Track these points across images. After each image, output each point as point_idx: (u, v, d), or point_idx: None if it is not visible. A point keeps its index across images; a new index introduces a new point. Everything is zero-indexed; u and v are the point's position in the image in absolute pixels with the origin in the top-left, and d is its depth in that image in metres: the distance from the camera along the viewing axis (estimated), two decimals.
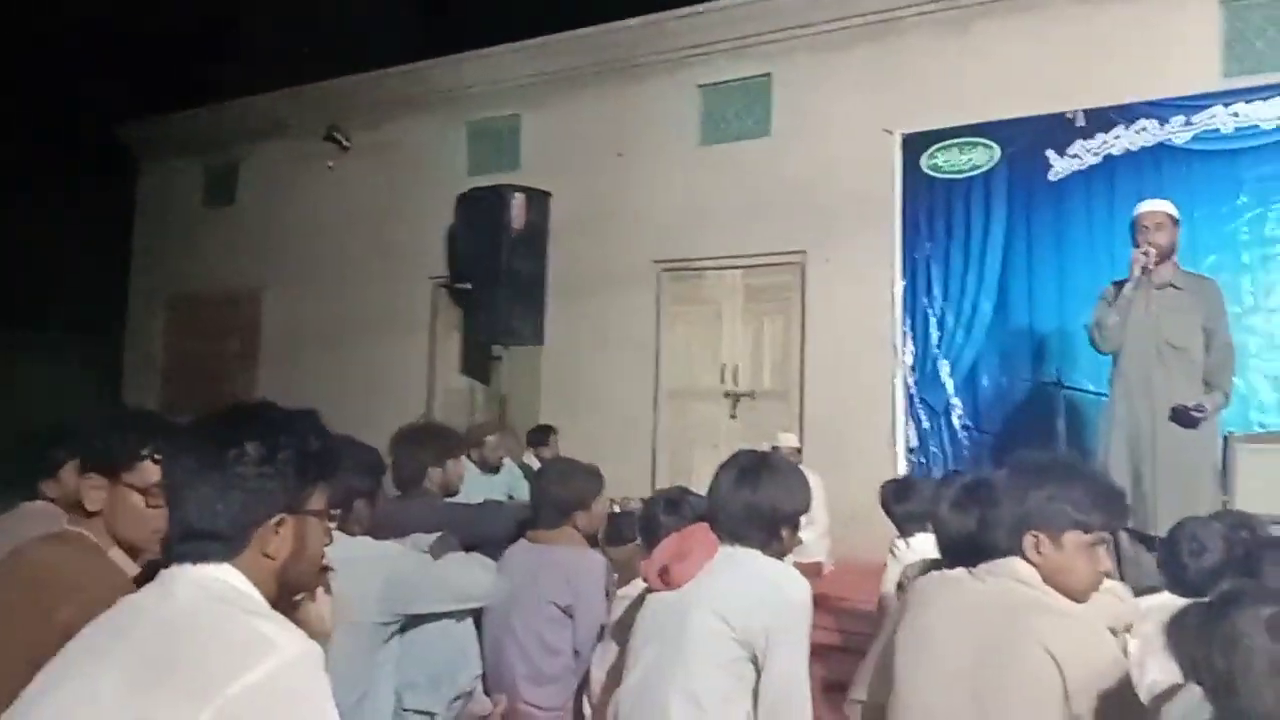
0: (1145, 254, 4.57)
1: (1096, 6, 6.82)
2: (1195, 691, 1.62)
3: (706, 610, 2.29)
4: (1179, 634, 1.85)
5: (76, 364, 11.91)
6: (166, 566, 1.46)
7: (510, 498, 5.65)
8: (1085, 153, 6.77)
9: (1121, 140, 6.66)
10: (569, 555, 3.21)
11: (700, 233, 8.14)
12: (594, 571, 3.18)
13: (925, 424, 7.20)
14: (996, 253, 7.06)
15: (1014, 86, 6.97)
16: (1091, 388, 5.87)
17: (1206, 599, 1.75)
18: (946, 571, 2.21)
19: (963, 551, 2.32)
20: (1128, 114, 6.63)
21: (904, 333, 7.30)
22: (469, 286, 8.54)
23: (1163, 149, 6.53)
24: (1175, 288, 4.64)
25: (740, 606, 2.28)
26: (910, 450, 7.19)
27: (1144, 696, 2.02)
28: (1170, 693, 1.94)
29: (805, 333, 7.79)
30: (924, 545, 3.29)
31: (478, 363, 9.14)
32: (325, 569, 1.69)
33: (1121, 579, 4.25)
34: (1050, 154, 6.87)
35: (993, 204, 7.08)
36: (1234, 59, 6.52)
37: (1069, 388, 5.76)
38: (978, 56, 7.17)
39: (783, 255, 7.89)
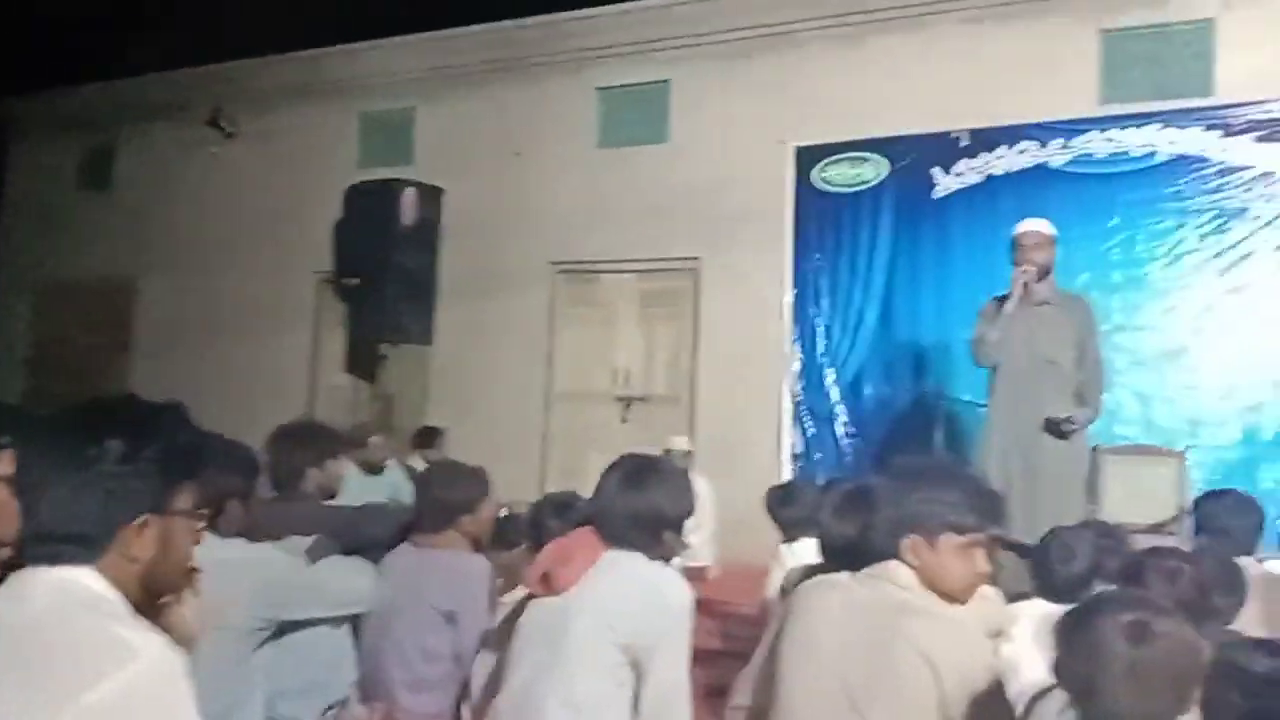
0: (1025, 273, 4.75)
1: (984, 29, 7.07)
2: (1063, 695, 1.67)
3: (588, 616, 2.26)
4: (1048, 639, 1.90)
5: None
6: (20, 568, 1.38)
7: (394, 500, 5.52)
8: (969, 171, 7.00)
9: (1003, 160, 6.91)
10: (453, 559, 3.14)
11: (596, 235, 8.13)
12: (478, 576, 3.11)
13: (810, 431, 7.34)
14: (882, 266, 7.24)
15: (904, 104, 7.16)
16: (969, 399, 6.06)
17: (1074, 605, 1.81)
18: (829, 575, 2.23)
19: (845, 556, 2.35)
20: (1010, 135, 6.89)
21: (792, 341, 7.42)
22: (356, 282, 8.34)
23: (1042, 170, 6.81)
24: (1050, 305, 4.82)
25: (621, 611, 2.26)
26: (795, 456, 7.32)
27: (1015, 700, 2.08)
28: (1040, 696, 2.00)
29: (698, 338, 7.85)
30: (807, 550, 3.33)
31: (363, 361, 8.93)
32: (192, 571, 1.61)
33: (995, 584, 4.40)
34: (936, 172, 7.09)
35: (880, 219, 7.26)
36: (1110, 87, 6.84)
37: (948, 398, 5.94)
38: (871, 73, 7.34)
39: (677, 261, 7.94)
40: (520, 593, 2.51)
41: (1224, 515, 3.54)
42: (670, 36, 8.03)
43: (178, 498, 1.48)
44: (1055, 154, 6.80)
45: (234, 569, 2.45)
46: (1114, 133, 6.65)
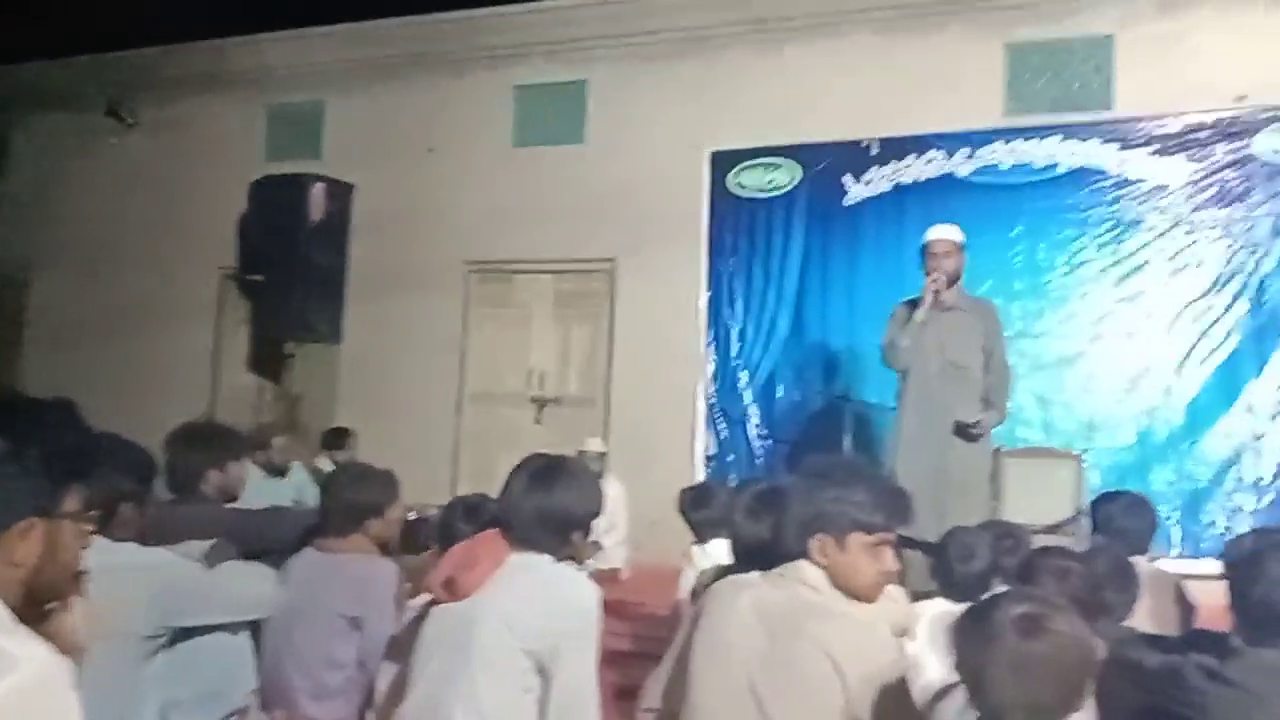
0: (936, 280, 4.86)
1: (894, 40, 7.21)
2: (964, 693, 1.70)
3: (493, 620, 2.22)
4: (949, 636, 1.93)
5: None
6: None
7: (299, 503, 5.39)
8: (879, 179, 7.14)
9: (912, 169, 7.06)
10: (358, 564, 3.07)
11: (511, 235, 8.06)
12: (385, 580, 3.04)
13: (724, 433, 7.39)
14: (794, 271, 7.33)
15: (817, 112, 7.27)
16: (878, 402, 6.19)
17: (973, 603, 1.84)
18: (740, 576, 2.24)
19: (756, 557, 2.35)
20: (918, 145, 7.04)
21: (707, 344, 7.47)
22: (261, 278, 8.12)
23: (949, 179, 6.97)
24: (959, 310, 4.95)
25: (527, 615, 2.23)
26: (709, 458, 7.37)
27: (919, 698, 2.11)
28: (943, 693, 2.03)
29: (613, 340, 7.85)
30: (719, 551, 3.35)
31: (268, 360, 8.70)
32: (80, 576, 1.54)
33: (902, 584, 4.49)
34: (847, 179, 7.21)
35: (793, 224, 7.36)
36: (1014, 99, 7.04)
37: (858, 401, 6.04)
38: (786, 80, 7.43)
39: (593, 262, 7.93)
40: (426, 598, 2.46)
41: (1119, 516, 3.66)
42: (588, 36, 8.01)
43: (65, 499, 1.42)
44: (961, 164, 6.97)
45: (125, 574, 2.36)
46: (1017, 144, 6.85)
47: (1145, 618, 3.13)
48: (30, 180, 9.84)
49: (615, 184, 7.75)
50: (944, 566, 3.10)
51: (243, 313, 8.87)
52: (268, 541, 3.26)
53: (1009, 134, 6.88)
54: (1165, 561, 4.81)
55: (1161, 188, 6.52)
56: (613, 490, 6.38)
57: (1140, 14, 6.72)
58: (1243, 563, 2.23)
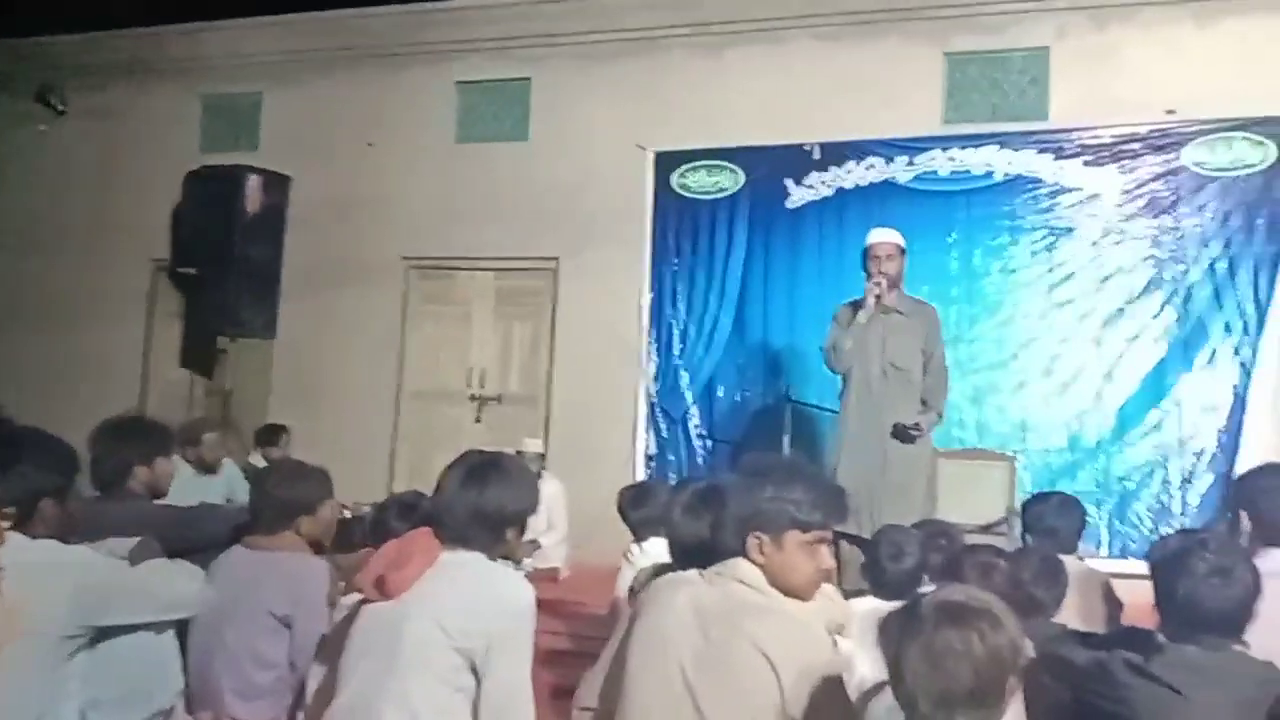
0: (878, 284, 4.92)
1: (836, 46, 7.28)
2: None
3: (424, 619, 2.19)
4: (880, 631, 1.94)
5: None
6: None
7: (230, 501, 5.29)
8: (820, 184, 7.20)
9: (852, 175, 7.14)
10: (289, 562, 3.01)
11: (452, 231, 7.98)
12: (315, 579, 2.99)
13: (664, 432, 7.40)
14: (737, 272, 7.37)
15: (760, 115, 7.31)
16: (818, 403, 6.24)
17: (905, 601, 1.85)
18: (677, 574, 2.23)
19: (694, 555, 2.35)
20: (858, 150, 7.12)
21: (649, 343, 7.47)
22: (194, 272, 7.95)
23: (888, 185, 7.06)
24: (900, 313, 5.01)
25: (459, 614, 2.19)
26: (650, 457, 7.37)
27: (853, 695, 2.13)
28: (875, 690, 2.05)
29: (555, 338, 7.81)
30: (657, 550, 3.35)
31: (200, 354, 8.52)
32: None
33: (841, 583, 4.53)
34: (789, 183, 7.26)
35: (735, 226, 7.39)
36: (953, 108, 7.15)
37: (798, 402, 6.09)
38: (729, 83, 7.46)
39: (535, 260, 7.89)
40: (358, 597, 2.41)
41: (1049, 516, 3.74)
42: (533, 34, 7.96)
43: None
44: (901, 170, 7.06)
45: (46, 572, 2.29)
46: (955, 152, 6.95)
47: (1074, 615, 3.19)
48: None
49: (559, 182, 7.72)
50: (874, 565, 3.14)
51: (175, 306, 8.69)
52: (196, 539, 3.19)
53: (947, 142, 6.98)
54: (1094, 561, 4.92)
55: (1094, 197, 6.66)
56: (552, 489, 6.35)
57: (1075, 28, 6.87)
58: (1168, 562, 2.28)
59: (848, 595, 3.21)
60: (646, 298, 7.51)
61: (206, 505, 4.27)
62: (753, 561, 2.01)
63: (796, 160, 7.25)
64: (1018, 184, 6.80)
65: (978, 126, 7.01)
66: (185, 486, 5.13)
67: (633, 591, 3.05)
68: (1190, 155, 6.49)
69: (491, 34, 8.08)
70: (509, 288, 8.09)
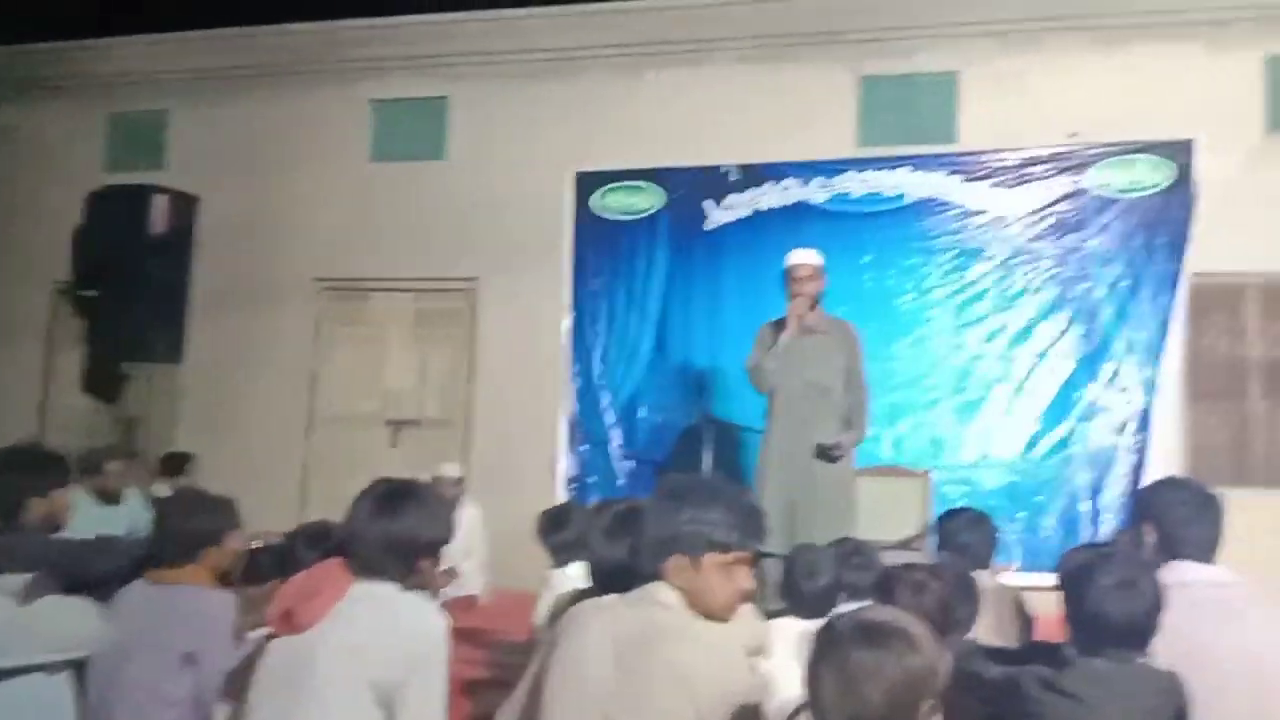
0: (800, 305, 4.96)
1: (754, 69, 7.38)
2: None
3: (333, 654, 2.11)
4: (801, 655, 1.93)
5: None
6: None
7: (133, 532, 5.10)
8: (738, 205, 7.27)
9: (770, 196, 7.22)
10: (193, 596, 2.90)
11: (367, 252, 7.86)
12: (220, 613, 2.88)
13: (585, 455, 7.36)
14: (657, 293, 7.38)
15: (679, 137, 7.37)
16: (739, 422, 6.27)
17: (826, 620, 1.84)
18: (595, 599, 2.20)
19: (614, 579, 2.32)
20: (776, 172, 7.21)
21: (569, 365, 7.44)
22: (97, 294, 7.68)
23: (804, 207, 7.16)
24: (821, 333, 5.06)
25: (371, 646, 2.12)
26: (571, 480, 7.31)
27: (773, 717, 2.11)
28: (796, 713, 2.04)
29: (474, 360, 7.73)
30: (577, 574, 3.30)
31: (103, 380, 8.22)
32: None
33: (762, 603, 4.54)
34: (708, 204, 7.31)
35: (656, 247, 7.42)
36: (867, 130, 7.30)
37: (720, 422, 6.11)
38: (648, 104, 7.51)
39: (453, 281, 7.81)
40: (266, 631, 2.33)
41: (961, 531, 3.79)
42: (450, 53, 7.91)
43: None
44: (817, 192, 7.16)
45: None
46: (869, 174, 7.08)
47: (987, 630, 3.23)
48: None
49: (477, 202, 7.66)
50: (790, 584, 3.15)
51: (77, 330, 8.37)
52: (95, 573, 3.06)
53: (861, 164, 7.11)
54: (1006, 575, 5.02)
55: (1001, 218, 6.85)
56: (471, 514, 6.26)
57: (982, 53, 7.08)
58: (1074, 576, 2.32)
59: (772, 615, 3.21)
60: (567, 319, 7.48)
61: (106, 538, 4.10)
62: (671, 585, 1.99)
63: (715, 182, 7.31)
64: (928, 206, 6.96)
65: (890, 149, 7.16)
66: (86, 518, 4.94)
67: (552, 618, 3.01)
68: (1093, 177, 6.72)
69: (407, 52, 8.02)
70: (426, 310, 7.98)
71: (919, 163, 7.01)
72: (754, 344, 5.20)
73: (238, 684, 2.46)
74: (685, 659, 1.86)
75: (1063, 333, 6.69)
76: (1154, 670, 2.25)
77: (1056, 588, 2.39)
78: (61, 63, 8.70)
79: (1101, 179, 6.71)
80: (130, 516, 5.50)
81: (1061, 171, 6.78)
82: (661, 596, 1.98)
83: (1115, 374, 6.57)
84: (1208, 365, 6.69)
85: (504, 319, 7.61)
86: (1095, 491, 6.49)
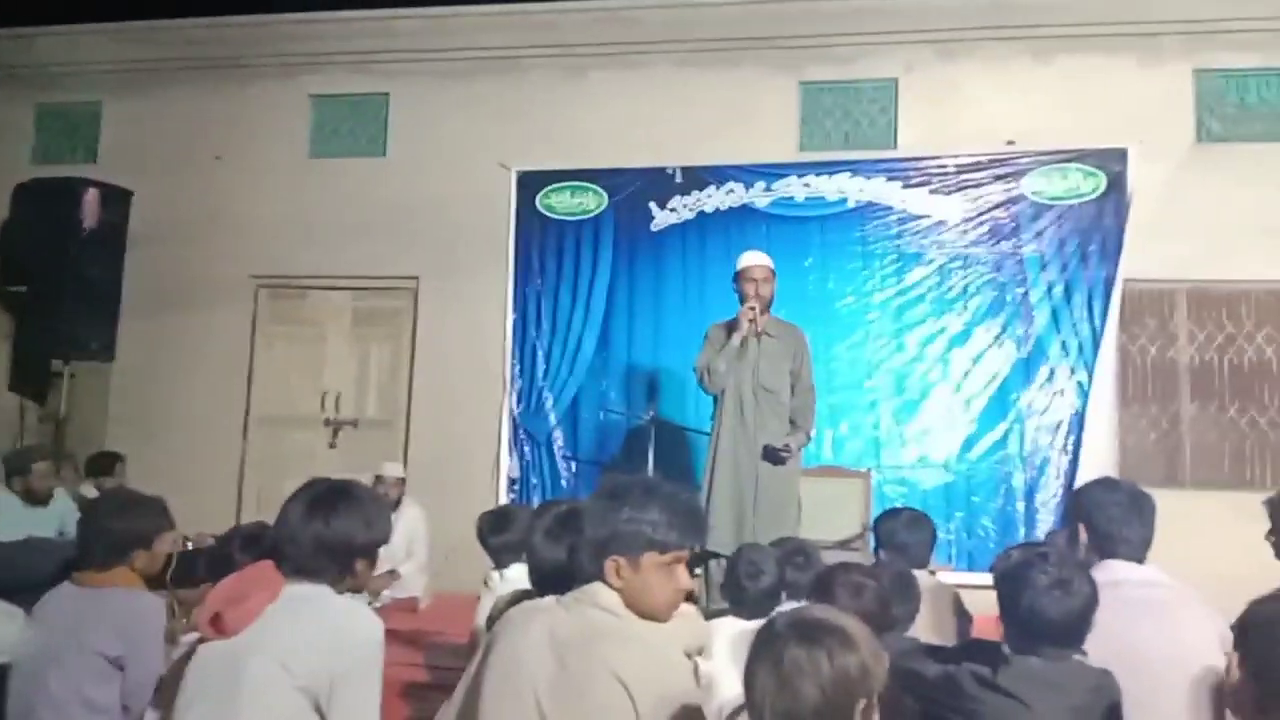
0: (753, 308, 4.99)
1: (697, 72, 7.41)
2: None
3: (264, 658, 2.06)
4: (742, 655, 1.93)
5: None
6: None
7: (62, 534, 4.96)
8: (682, 207, 7.29)
9: (713, 199, 7.25)
10: (121, 599, 2.82)
11: (305, 249, 7.73)
12: (149, 616, 2.81)
13: (528, 455, 7.32)
14: (601, 293, 7.37)
15: (624, 138, 7.36)
16: (683, 423, 6.29)
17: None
18: (533, 601, 2.18)
19: (554, 581, 2.30)
20: (719, 175, 7.25)
21: (512, 365, 7.39)
22: (24, 290, 7.46)
23: (747, 210, 7.20)
24: (770, 335, 5.09)
25: (302, 650, 2.08)
26: (513, 481, 7.27)
27: (714, 718, 2.11)
28: (737, 712, 2.04)
29: (414, 360, 7.64)
30: (518, 576, 3.28)
31: (31, 378, 7.97)
32: None
33: (707, 603, 4.55)
34: (652, 206, 7.32)
35: (600, 248, 7.40)
36: (808, 135, 7.37)
37: (663, 422, 6.12)
38: (593, 105, 7.49)
39: (394, 280, 7.71)
40: (196, 635, 2.27)
41: (900, 531, 3.84)
42: (392, 50, 7.82)
43: None
44: (759, 195, 7.21)
45: None
46: (810, 178, 7.15)
47: (926, 629, 3.27)
48: None
49: (418, 200, 7.58)
50: (733, 584, 3.16)
51: (4, 327, 8.11)
52: (20, 576, 2.99)
53: (803, 168, 7.17)
54: (944, 574, 5.09)
55: (940, 224, 6.95)
56: (412, 515, 6.19)
57: (922, 61, 7.18)
58: (1010, 575, 2.36)
59: (713, 615, 3.22)
60: (509, 319, 7.43)
61: (33, 540, 4.00)
62: (610, 585, 1.97)
63: (659, 183, 7.33)
64: (869, 210, 7.04)
65: (831, 154, 7.24)
66: (13, 519, 4.83)
67: (491, 620, 2.98)
68: (1029, 184, 6.86)
69: (348, 48, 7.91)
70: (366, 308, 7.88)
71: (859, 168, 7.09)
72: (704, 344, 5.22)
73: (168, 690, 2.40)
74: (625, 660, 1.84)
75: (999, 336, 6.81)
76: (1088, 668, 2.30)
77: (993, 587, 2.42)
78: None
79: (1037, 186, 6.85)
80: (59, 518, 5.36)
81: (998, 178, 6.91)
82: (600, 597, 1.97)
83: (1050, 377, 6.70)
84: (1139, 369, 6.86)
85: (445, 318, 7.53)
86: (1031, 492, 6.62)
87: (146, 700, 2.74)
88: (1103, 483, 3.06)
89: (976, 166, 6.93)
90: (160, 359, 7.77)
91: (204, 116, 8.06)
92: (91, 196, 7.50)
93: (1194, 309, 6.86)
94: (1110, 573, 2.64)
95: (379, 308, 7.85)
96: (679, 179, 7.31)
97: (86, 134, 8.33)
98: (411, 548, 6.11)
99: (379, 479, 6.09)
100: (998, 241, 6.88)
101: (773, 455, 4.95)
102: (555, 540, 2.50)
